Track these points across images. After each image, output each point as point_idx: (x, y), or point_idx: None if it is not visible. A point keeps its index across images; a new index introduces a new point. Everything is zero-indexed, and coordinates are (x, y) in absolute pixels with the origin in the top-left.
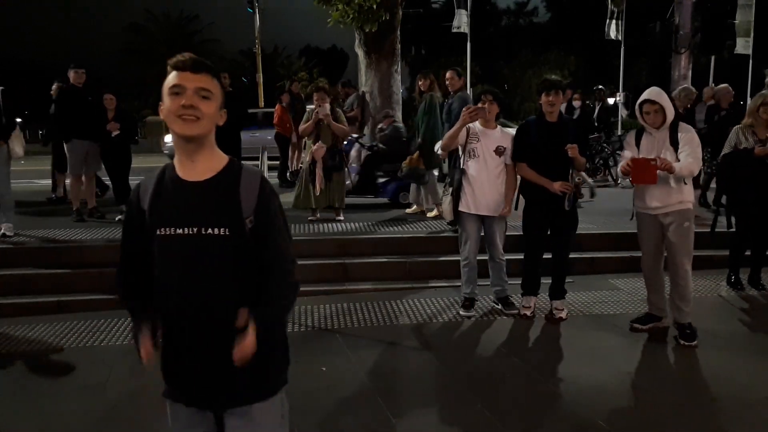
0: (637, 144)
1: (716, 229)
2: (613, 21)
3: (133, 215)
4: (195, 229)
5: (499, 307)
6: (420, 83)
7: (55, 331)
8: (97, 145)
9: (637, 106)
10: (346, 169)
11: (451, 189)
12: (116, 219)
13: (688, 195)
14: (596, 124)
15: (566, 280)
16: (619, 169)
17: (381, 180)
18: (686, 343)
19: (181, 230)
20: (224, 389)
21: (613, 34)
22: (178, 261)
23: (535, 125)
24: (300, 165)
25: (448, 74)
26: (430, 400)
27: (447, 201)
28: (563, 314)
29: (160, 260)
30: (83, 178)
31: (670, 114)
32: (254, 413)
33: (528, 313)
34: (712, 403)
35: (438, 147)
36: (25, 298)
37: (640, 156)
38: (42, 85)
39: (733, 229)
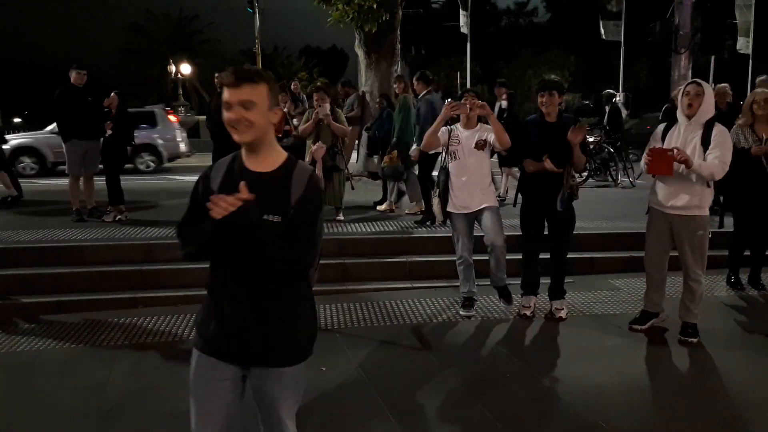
0: (663, 139)
1: (718, 230)
2: (610, 21)
3: (200, 193)
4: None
5: (497, 297)
6: (395, 86)
7: (56, 331)
8: (96, 144)
9: (681, 90)
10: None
11: (438, 191)
12: (116, 219)
13: (706, 200)
14: (606, 126)
15: (566, 280)
16: (642, 163)
17: None
18: (687, 339)
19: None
20: (259, 350)
21: (609, 35)
22: (239, 238)
23: (534, 125)
24: None
25: (414, 79)
26: (430, 400)
27: (435, 203)
28: (563, 314)
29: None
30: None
31: (708, 108)
32: (279, 376)
33: (528, 313)
34: (712, 402)
35: (412, 150)
36: (25, 298)
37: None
38: (42, 85)
39: (730, 229)
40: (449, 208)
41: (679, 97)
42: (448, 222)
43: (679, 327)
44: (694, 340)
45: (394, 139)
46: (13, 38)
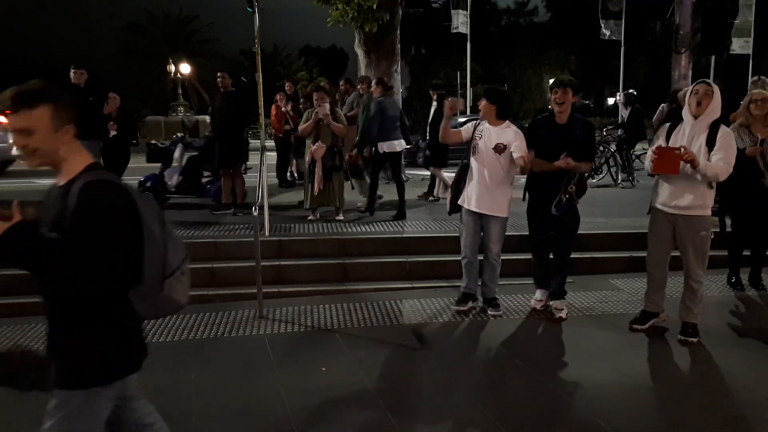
0: (668, 139)
1: (715, 230)
2: (611, 21)
3: None
4: (47, 230)
5: (482, 305)
6: (359, 86)
7: None
8: (96, 144)
9: (689, 89)
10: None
11: (451, 182)
12: None
13: (709, 201)
14: (626, 128)
15: (567, 281)
16: (647, 161)
17: (204, 180)
18: (688, 339)
19: (45, 229)
20: (53, 362)
21: (607, 34)
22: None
23: (544, 125)
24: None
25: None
26: (430, 400)
27: (447, 193)
28: (563, 314)
29: None
30: None
31: (715, 108)
32: (56, 396)
33: (539, 306)
34: (713, 402)
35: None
36: (24, 298)
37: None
38: None
39: (728, 230)
40: (460, 201)
41: (687, 97)
42: (442, 221)
43: (680, 327)
44: (695, 339)
45: (357, 138)
46: (13, 38)
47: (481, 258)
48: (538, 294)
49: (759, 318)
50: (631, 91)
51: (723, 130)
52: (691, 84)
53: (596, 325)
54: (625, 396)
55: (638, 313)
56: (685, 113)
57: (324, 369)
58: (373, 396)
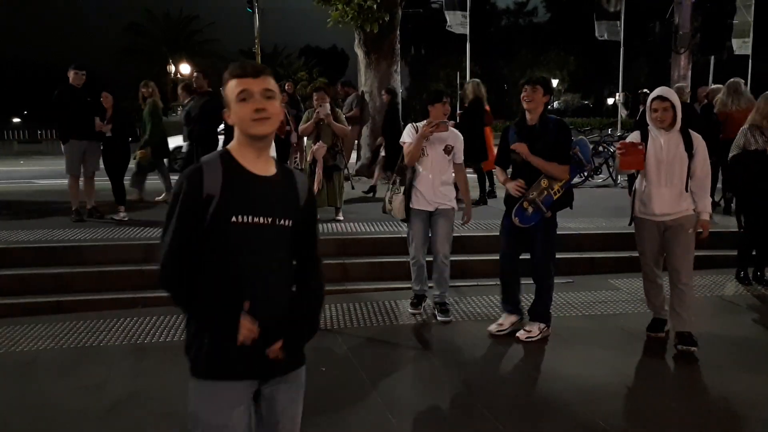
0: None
1: (719, 230)
2: (605, 21)
3: (193, 202)
4: (270, 219)
5: (435, 312)
6: (143, 90)
7: (55, 331)
8: (95, 144)
9: (648, 105)
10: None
11: (402, 188)
12: (116, 218)
13: (691, 201)
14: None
15: (565, 281)
16: (616, 165)
17: None
18: (689, 348)
19: (257, 219)
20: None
21: (603, 35)
22: (252, 247)
23: (514, 128)
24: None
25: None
26: (429, 400)
27: (399, 200)
28: (522, 335)
29: (231, 246)
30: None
31: (680, 115)
32: (295, 378)
33: (494, 330)
34: (713, 402)
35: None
36: (24, 298)
37: (648, 161)
38: (42, 85)
39: (733, 229)
40: (412, 205)
41: (648, 113)
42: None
43: (675, 336)
44: (694, 348)
45: (146, 136)
46: (13, 38)
47: (483, 257)
48: (502, 317)
49: (758, 319)
50: (645, 90)
51: (693, 134)
52: (693, 84)
53: (596, 325)
54: (625, 396)
55: (650, 320)
56: (653, 126)
57: (324, 369)
58: (373, 396)
